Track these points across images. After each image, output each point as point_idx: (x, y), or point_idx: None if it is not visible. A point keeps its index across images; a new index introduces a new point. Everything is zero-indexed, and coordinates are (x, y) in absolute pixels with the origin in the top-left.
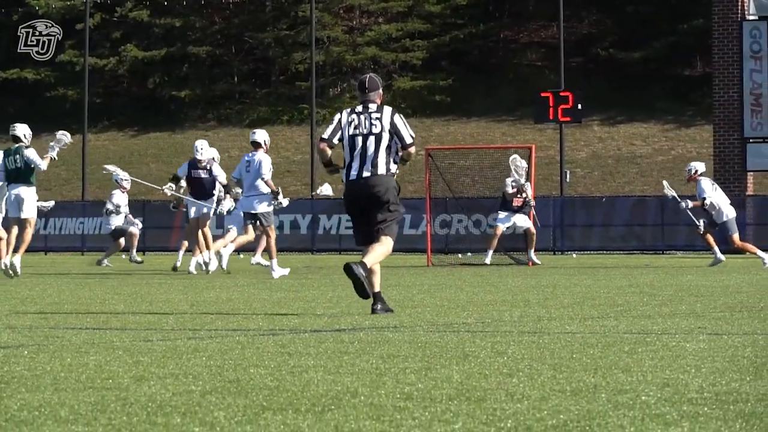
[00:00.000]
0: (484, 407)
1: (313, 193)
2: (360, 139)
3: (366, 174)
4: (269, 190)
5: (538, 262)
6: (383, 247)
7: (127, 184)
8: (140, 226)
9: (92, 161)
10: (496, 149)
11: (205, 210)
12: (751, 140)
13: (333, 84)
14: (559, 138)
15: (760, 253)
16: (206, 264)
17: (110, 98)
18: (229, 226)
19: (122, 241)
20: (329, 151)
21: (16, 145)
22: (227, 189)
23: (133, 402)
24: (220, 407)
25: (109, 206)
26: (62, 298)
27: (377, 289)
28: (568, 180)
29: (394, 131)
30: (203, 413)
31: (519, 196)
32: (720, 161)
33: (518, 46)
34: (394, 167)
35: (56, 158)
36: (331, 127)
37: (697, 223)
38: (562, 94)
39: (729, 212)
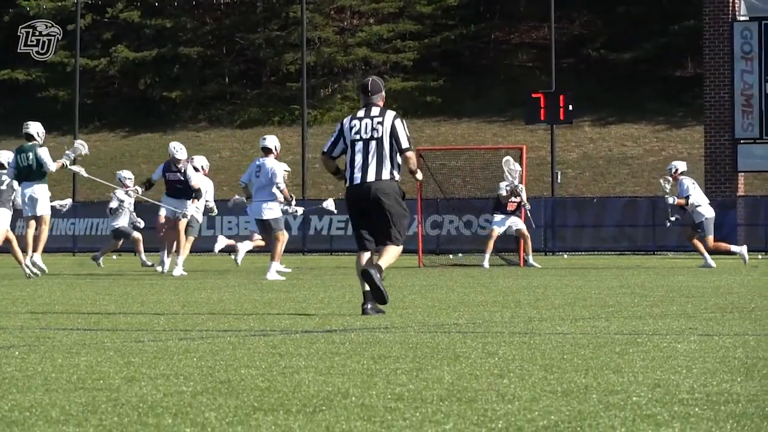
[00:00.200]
0: (475, 408)
1: (319, 207)
2: (362, 144)
3: (370, 179)
4: (281, 197)
5: (538, 265)
6: (396, 249)
7: (130, 183)
8: (143, 224)
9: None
10: (487, 150)
11: (178, 212)
12: (742, 141)
13: (324, 85)
14: (550, 139)
15: (733, 248)
16: (161, 264)
17: (101, 99)
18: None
19: (119, 242)
20: (332, 162)
21: (29, 144)
22: (197, 194)
23: (124, 403)
24: (211, 408)
25: (113, 205)
26: (53, 298)
27: (382, 264)
28: (559, 181)
29: (393, 135)
30: (194, 414)
31: (513, 199)
32: (711, 162)
33: (509, 46)
34: (396, 172)
35: (68, 166)
36: (331, 140)
37: (670, 218)
38: (553, 94)
39: (707, 213)
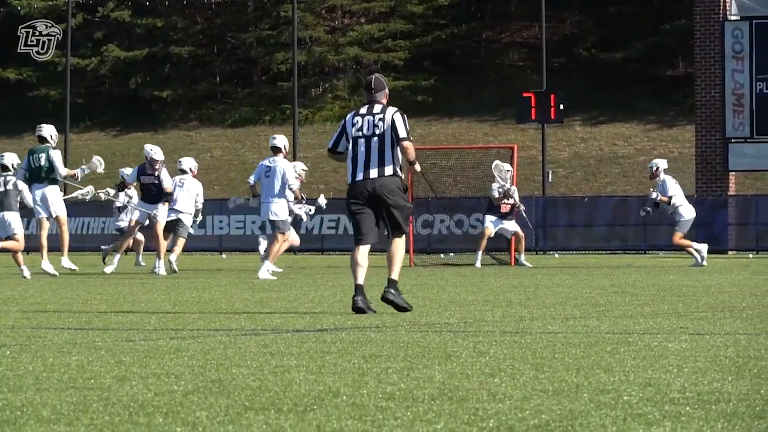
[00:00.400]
0: (466, 407)
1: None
2: (364, 141)
3: (372, 175)
4: (292, 197)
5: (529, 265)
6: (399, 251)
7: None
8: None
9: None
10: (478, 149)
11: (153, 214)
12: (733, 140)
13: (315, 84)
14: (541, 138)
15: (696, 245)
16: (137, 264)
17: (92, 98)
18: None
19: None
20: (339, 155)
21: (42, 146)
22: (167, 197)
23: (115, 402)
24: (202, 407)
25: (118, 203)
26: (44, 297)
27: (393, 276)
28: (550, 180)
29: (392, 128)
30: (185, 413)
31: (506, 201)
32: (702, 161)
33: (500, 46)
34: (399, 168)
35: (78, 178)
36: (334, 136)
37: (646, 208)
38: (544, 94)
39: (687, 214)
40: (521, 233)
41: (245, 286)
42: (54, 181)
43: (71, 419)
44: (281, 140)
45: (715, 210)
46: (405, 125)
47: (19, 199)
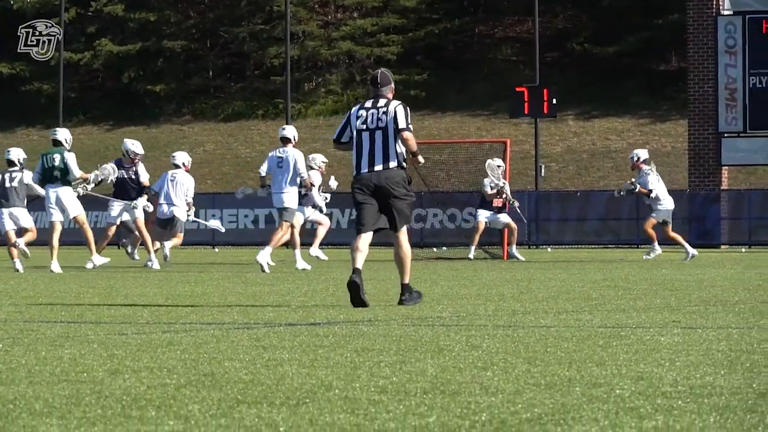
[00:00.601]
0: (458, 400)
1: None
2: (368, 134)
3: (377, 168)
4: (302, 187)
5: (522, 258)
6: (407, 254)
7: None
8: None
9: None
10: (471, 144)
11: (133, 208)
12: (725, 135)
13: (308, 78)
14: (534, 132)
15: (656, 245)
16: (131, 256)
17: (85, 93)
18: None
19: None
20: (344, 145)
21: (57, 148)
22: (146, 190)
23: (108, 395)
24: (195, 400)
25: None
26: (37, 291)
27: (406, 281)
28: (543, 174)
29: (394, 120)
30: (178, 406)
31: (499, 196)
32: (695, 156)
33: (493, 41)
34: (403, 161)
35: (91, 182)
36: (339, 127)
37: (621, 191)
38: (536, 88)
39: (666, 204)
40: (513, 225)
41: (238, 280)
42: (67, 183)
43: (63, 412)
44: (291, 131)
45: (708, 204)
46: (406, 117)
47: (26, 192)
